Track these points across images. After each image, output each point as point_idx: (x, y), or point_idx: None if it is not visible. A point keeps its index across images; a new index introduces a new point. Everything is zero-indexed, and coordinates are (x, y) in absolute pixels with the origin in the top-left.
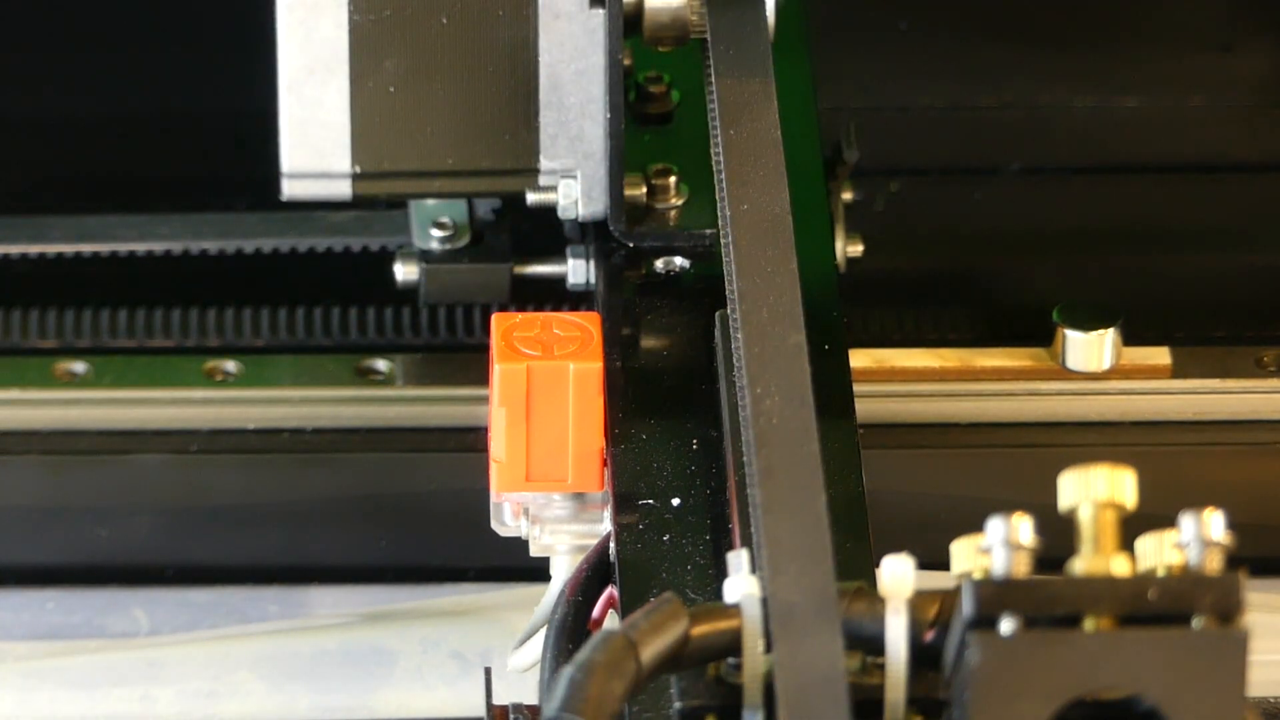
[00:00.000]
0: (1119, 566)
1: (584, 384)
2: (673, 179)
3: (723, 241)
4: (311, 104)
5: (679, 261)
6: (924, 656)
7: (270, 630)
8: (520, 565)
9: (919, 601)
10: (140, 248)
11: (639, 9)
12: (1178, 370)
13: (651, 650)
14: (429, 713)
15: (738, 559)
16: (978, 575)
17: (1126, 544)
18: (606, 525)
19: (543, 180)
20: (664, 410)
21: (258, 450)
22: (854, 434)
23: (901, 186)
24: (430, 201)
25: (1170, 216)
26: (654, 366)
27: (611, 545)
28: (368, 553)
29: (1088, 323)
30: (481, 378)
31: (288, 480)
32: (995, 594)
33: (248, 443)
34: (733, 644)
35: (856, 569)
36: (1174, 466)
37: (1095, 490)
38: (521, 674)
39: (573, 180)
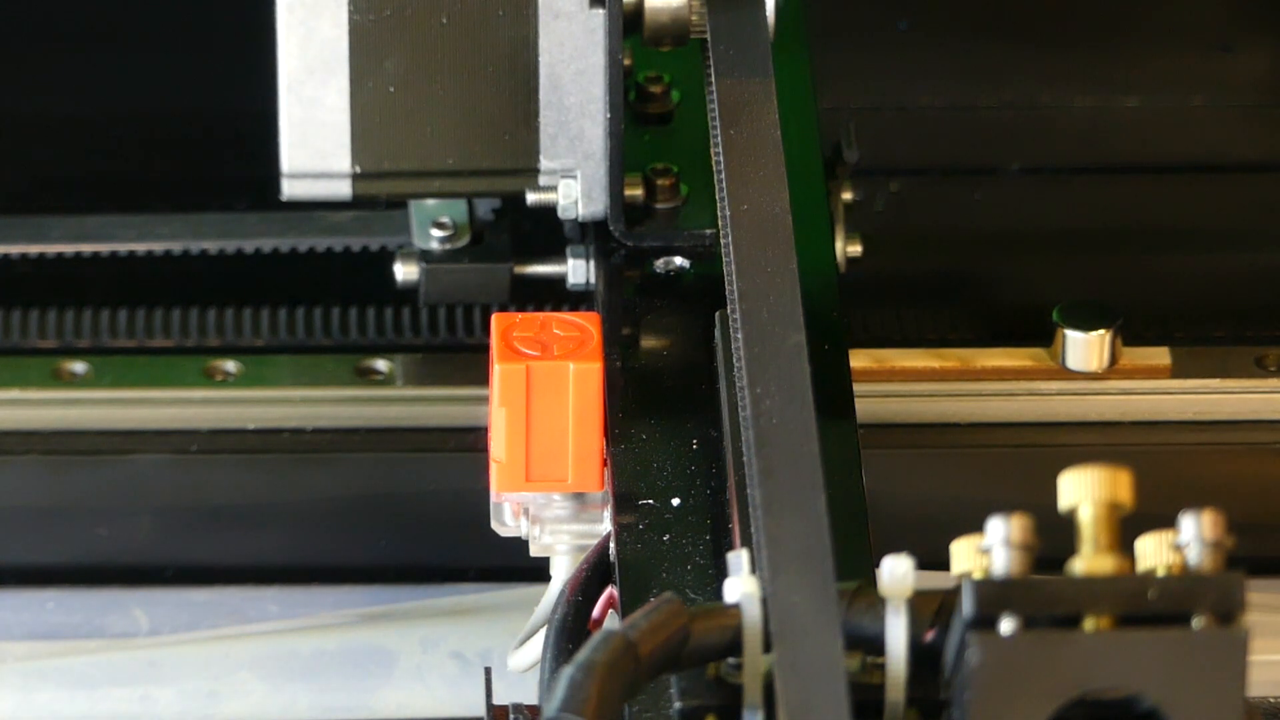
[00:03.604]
0: (1119, 566)
1: (584, 384)
2: (673, 179)
3: (723, 241)
4: (311, 104)
5: (679, 261)
6: (924, 656)
7: (270, 630)
8: (520, 565)
9: (919, 601)
10: (140, 248)
11: (639, 9)
12: (1177, 370)
13: (651, 650)
14: (429, 713)
15: (738, 559)
16: (978, 575)
17: (1126, 544)
18: (606, 525)
19: (543, 180)
20: (664, 410)
21: (258, 450)
22: (854, 434)
23: (901, 186)
24: (430, 201)
25: (1170, 216)
26: (654, 366)
27: (611, 545)
28: (368, 553)
29: (1087, 323)
30: (481, 378)
31: (288, 480)
32: (995, 594)
33: (248, 443)
34: (733, 644)
35: (856, 569)
36: (1174, 466)
37: (1095, 490)
38: (521, 674)
39: (573, 180)
